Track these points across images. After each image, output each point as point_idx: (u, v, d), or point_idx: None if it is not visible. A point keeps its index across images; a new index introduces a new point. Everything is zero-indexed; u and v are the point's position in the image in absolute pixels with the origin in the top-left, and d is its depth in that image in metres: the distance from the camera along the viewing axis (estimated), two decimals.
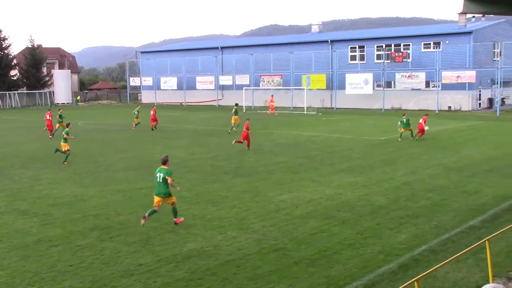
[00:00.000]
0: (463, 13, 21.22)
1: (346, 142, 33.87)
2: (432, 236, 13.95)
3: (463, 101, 62.20)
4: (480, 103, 64.12)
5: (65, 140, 26.31)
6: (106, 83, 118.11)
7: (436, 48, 62.29)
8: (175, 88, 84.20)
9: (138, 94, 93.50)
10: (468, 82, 59.80)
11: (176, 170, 23.97)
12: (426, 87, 63.26)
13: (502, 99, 63.68)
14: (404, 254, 12.64)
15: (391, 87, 66.27)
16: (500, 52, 59.38)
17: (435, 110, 61.11)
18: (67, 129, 26.82)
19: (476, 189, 19.57)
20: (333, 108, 69.41)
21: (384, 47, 66.39)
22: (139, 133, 40.24)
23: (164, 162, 15.04)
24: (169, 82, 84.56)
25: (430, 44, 64.44)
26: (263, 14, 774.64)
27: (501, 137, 35.55)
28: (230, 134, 38.02)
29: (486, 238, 10.25)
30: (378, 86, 67.15)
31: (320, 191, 19.50)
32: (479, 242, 10.28)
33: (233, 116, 40.51)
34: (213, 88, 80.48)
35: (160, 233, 14.41)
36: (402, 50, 65.14)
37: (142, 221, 14.66)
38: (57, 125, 38.80)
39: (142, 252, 12.99)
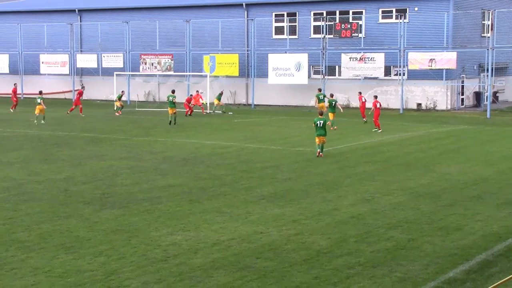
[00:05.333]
0: None
1: (269, 155, 34.20)
2: None
3: (439, 95, 64.13)
4: (463, 99, 66.38)
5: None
6: None
7: (400, 18, 63.72)
8: (7, 71, 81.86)
9: None
10: (446, 68, 61.64)
11: (7, 199, 23.46)
12: (385, 75, 64.77)
13: (495, 93, 66.12)
14: None
15: (334, 75, 67.39)
16: (492, 24, 61.37)
17: (399, 109, 62.78)
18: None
19: (458, 224, 20.22)
20: (250, 105, 69.85)
21: (325, 15, 67.58)
22: None
23: (321, 114, 34.75)
24: None
25: (391, 12, 66.08)
26: None
27: (493, 148, 36.95)
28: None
29: None
30: (317, 72, 68.19)
31: (231, 228, 19.55)
32: None
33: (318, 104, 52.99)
34: (67, 72, 78.98)
35: None
36: (351, 20, 66.54)
37: (321, 154, 33.34)
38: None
39: None
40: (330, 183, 26.64)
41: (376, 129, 44.67)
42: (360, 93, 52.06)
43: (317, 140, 33.73)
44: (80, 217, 20.99)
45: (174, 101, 50.58)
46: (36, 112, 50.28)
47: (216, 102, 61.01)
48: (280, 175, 28.44)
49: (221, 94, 62.70)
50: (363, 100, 50.43)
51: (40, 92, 53.94)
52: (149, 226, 19.80)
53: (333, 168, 30.43)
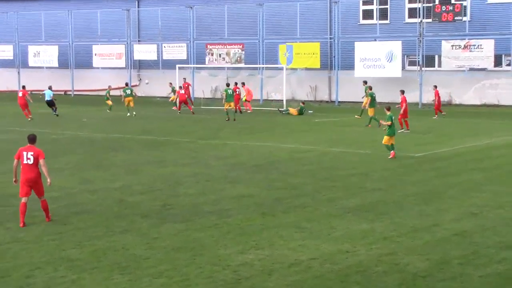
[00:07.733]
0: None
1: (355, 161, 34.14)
2: None
3: None
4: None
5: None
6: None
7: None
8: (56, 65, 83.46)
9: None
10: None
11: (57, 211, 23.78)
12: (495, 66, 64.07)
13: None
14: None
15: (433, 66, 67.03)
16: None
17: (511, 106, 62.04)
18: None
19: None
20: (334, 102, 69.83)
21: None
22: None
23: (388, 108, 35.31)
24: (45, 55, 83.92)
25: None
26: None
27: None
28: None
29: None
30: (412, 63, 67.82)
31: (311, 247, 19.51)
32: None
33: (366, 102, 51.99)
34: (123, 65, 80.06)
35: None
36: (453, 1, 65.92)
37: (394, 154, 34.24)
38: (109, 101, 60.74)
39: None
40: (429, 194, 26.41)
41: (402, 130, 44.83)
42: (435, 86, 54.43)
43: (390, 139, 34.51)
44: (137, 232, 21.17)
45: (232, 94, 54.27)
46: (125, 104, 56.86)
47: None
48: (369, 184, 28.32)
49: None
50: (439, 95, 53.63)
51: (126, 84, 62.18)
52: (216, 243, 19.86)
53: (432, 176, 30.17)
